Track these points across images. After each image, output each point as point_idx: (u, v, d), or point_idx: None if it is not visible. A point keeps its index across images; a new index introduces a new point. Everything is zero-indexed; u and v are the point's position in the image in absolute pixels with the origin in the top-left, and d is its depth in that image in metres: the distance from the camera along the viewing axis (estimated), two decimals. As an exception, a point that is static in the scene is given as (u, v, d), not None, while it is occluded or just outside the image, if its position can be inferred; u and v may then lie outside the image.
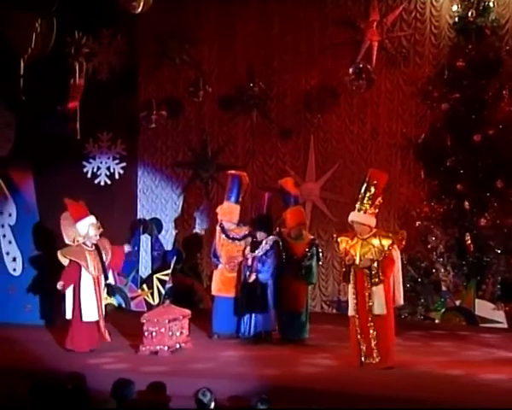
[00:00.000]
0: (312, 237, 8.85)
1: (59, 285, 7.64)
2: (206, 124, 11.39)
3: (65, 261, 7.66)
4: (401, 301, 7.19)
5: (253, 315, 8.14)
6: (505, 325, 9.32)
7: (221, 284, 8.62)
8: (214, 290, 8.70)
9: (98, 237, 7.71)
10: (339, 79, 10.46)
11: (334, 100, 10.73)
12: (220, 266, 8.63)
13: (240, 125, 11.28)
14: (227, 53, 11.18)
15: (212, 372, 6.78)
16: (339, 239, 7.26)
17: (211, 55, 11.29)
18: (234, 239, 8.66)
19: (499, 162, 9.47)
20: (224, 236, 8.68)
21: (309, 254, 8.31)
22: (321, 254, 8.73)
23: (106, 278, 7.71)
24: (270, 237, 8.32)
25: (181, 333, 7.74)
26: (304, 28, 10.83)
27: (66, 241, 7.78)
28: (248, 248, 8.35)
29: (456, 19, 9.92)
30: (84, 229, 7.60)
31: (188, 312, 7.92)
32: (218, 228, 8.79)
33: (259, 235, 8.30)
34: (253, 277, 8.15)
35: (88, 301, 7.59)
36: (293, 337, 8.20)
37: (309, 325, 8.35)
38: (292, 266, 8.28)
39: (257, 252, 8.21)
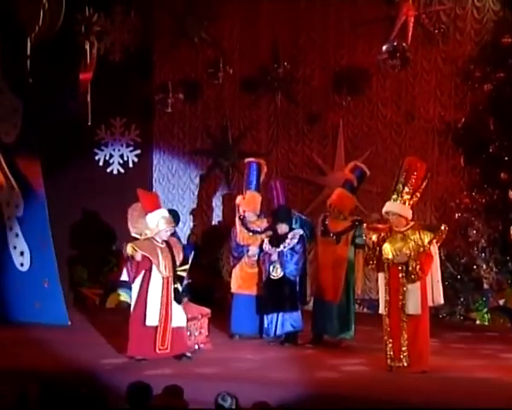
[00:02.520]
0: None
1: (124, 276, 7.38)
2: (226, 108, 11.34)
3: (136, 255, 7.23)
4: (441, 300, 7.11)
5: (280, 314, 8.09)
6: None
7: (241, 281, 8.60)
8: (234, 288, 8.65)
9: (169, 232, 7.41)
10: (371, 59, 10.36)
11: (365, 81, 10.63)
12: (243, 259, 8.58)
13: (263, 109, 11.22)
14: (249, 31, 11.12)
15: (233, 375, 6.76)
16: (368, 230, 7.18)
17: (232, 34, 11.23)
18: (255, 232, 8.63)
19: (548, 148, 9.33)
20: (244, 229, 8.64)
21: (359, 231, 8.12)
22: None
23: (178, 280, 7.38)
24: (296, 230, 8.27)
25: (200, 333, 7.74)
26: (333, 3, 10.72)
27: (133, 234, 7.55)
28: (267, 242, 8.28)
29: (503, -11, 9.79)
30: (153, 222, 7.29)
31: (207, 310, 7.92)
32: (237, 220, 8.75)
33: (280, 228, 8.22)
34: (281, 273, 8.10)
35: (154, 303, 7.22)
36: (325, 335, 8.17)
37: (352, 325, 8.19)
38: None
39: (282, 247, 8.16)
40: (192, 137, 11.58)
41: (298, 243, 8.16)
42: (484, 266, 9.55)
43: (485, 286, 9.62)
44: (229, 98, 11.31)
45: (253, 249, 8.48)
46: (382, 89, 10.66)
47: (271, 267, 8.15)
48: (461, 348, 8.06)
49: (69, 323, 9.13)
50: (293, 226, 8.34)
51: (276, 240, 8.25)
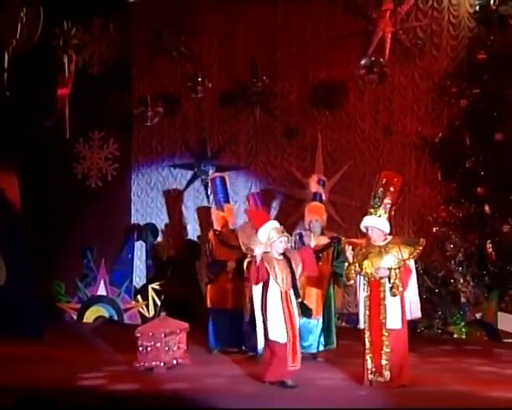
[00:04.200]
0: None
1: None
2: (205, 122, 11.35)
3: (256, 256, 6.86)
4: (419, 314, 7.11)
5: None
6: (530, 337, 9.26)
7: (220, 296, 8.53)
8: (211, 303, 8.57)
9: (284, 243, 6.91)
10: (349, 74, 10.42)
11: (343, 96, 10.69)
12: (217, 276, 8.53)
13: (242, 123, 11.24)
14: (228, 45, 11.15)
15: (211, 390, 6.71)
16: (346, 245, 7.18)
17: (210, 48, 11.26)
18: (232, 247, 8.59)
19: (523, 163, 9.42)
20: (219, 243, 8.59)
21: (338, 249, 8.13)
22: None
23: (297, 295, 7.10)
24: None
25: (178, 348, 7.67)
26: (310, 17, 10.79)
27: (245, 251, 7.35)
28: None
29: (477, 7, 9.90)
30: (264, 235, 6.89)
31: (185, 325, 7.85)
32: (211, 233, 8.70)
33: None
34: None
35: (274, 317, 6.76)
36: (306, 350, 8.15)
37: (334, 338, 8.18)
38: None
39: None
40: (171, 151, 11.56)
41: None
42: (461, 280, 9.58)
43: (463, 300, 9.64)
44: (207, 112, 11.32)
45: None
46: (360, 103, 10.73)
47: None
48: (439, 361, 8.06)
49: (45, 337, 9.01)
50: None
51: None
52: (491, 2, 9.62)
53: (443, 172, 10.06)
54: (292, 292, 6.82)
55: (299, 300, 6.85)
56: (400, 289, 6.74)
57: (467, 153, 9.65)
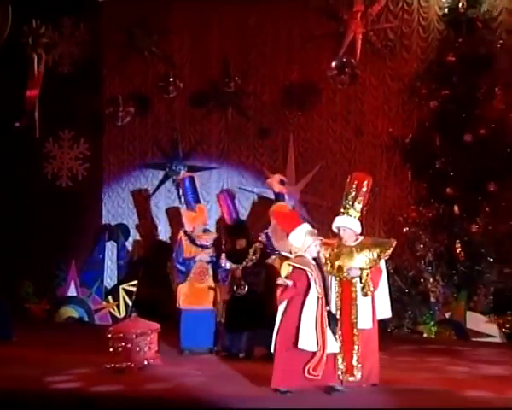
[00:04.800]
0: None
1: (281, 281, 6.50)
2: (177, 122, 11.33)
3: (286, 271, 6.68)
4: (389, 313, 7.17)
5: (247, 331, 7.99)
6: (498, 339, 9.38)
7: (190, 297, 8.51)
8: (183, 303, 8.52)
9: (318, 247, 6.60)
10: (320, 74, 10.47)
11: (315, 96, 10.75)
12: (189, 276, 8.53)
13: (214, 124, 11.24)
14: (200, 45, 11.14)
15: (184, 391, 6.72)
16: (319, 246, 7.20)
17: (182, 48, 11.24)
18: (203, 247, 8.60)
19: (491, 164, 9.52)
20: (190, 243, 8.60)
21: None
22: None
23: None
24: (257, 244, 8.14)
25: (149, 349, 7.65)
26: (282, 18, 10.83)
27: (282, 252, 7.08)
28: (225, 259, 8.13)
29: (446, 10, 9.99)
30: (298, 240, 6.58)
31: (156, 325, 7.83)
32: (181, 234, 8.67)
33: (239, 243, 8.12)
34: (245, 290, 8.00)
35: (308, 325, 6.37)
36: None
37: None
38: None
39: (245, 263, 8.02)
40: (142, 151, 11.52)
41: (260, 257, 8.07)
42: (431, 280, 9.67)
43: (432, 299, 9.73)
44: (179, 112, 11.30)
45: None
46: (332, 104, 10.79)
47: (235, 285, 8.02)
48: (408, 360, 8.14)
49: (14, 339, 8.93)
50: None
51: (236, 256, 8.10)
52: (460, 5, 9.73)
53: (413, 173, 10.14)
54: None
55: (328, 308, 6.52)
56: (371, 289, 6.80)
57: (436, 154, 9.74)
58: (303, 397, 6.37)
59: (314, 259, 6.55)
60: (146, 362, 7.55)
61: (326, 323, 6.41)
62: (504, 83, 9.55)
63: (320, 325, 6.35)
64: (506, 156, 9.52)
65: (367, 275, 6.76)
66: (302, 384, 6.41)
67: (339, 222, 7.00)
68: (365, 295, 6.78)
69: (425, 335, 9.74)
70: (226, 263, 8.10)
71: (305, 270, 6.39)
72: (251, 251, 8.08)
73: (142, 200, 11.48)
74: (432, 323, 9.71)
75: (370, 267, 6.78)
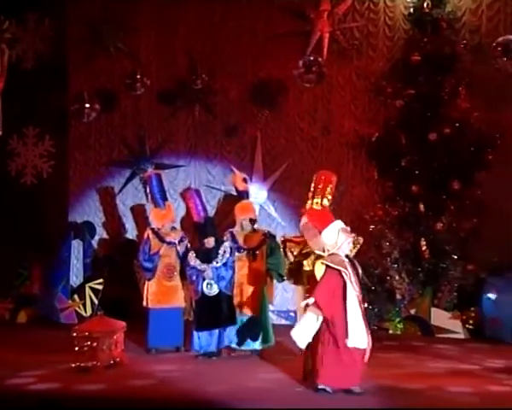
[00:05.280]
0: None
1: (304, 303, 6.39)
2: (143, 119, 11.27)
3: (320, 270, 6.56)
4: None
5: (218, 330, 7.98)
6: (462, 336, 9.52)
7: (159, 295, 8.47)
8: (151, 302, 8.48)
9: (350, 244, 6.53)
10: (287, 73, 10.49)
11: (282, 94, 10.78)
12: (155, 274, 8.50)
13: (181, 121, 11.21)
14: (166, 42, 11.10)
15: (151, 390, 6.70)
16: (286, 243, 7.24)
17: (148, 45, 11.19)
18: (171, 244, 8.58)
19: (456, 163, 9.66)
20: (158, 240, 8.57)
21: (271, 245, 8.19)
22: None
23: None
24: (226, 243, 8.14)
25: (115, 347, 7.62)
26: (248, 17, 10.85)
27: (316, 251, 6.85)
28: (194, 257, 8.09)
29: (412, 10, 10.10)
30: (331, 237, 6.48)
31: (123, 324, 7.80)
32: (148, 232, 8.62)
33: (208, 242, 8.05)
34: (216, 289, 7.97)
35: (356, 323, 6.30)
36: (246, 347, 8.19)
37: (272, 336, 8.23)
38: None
39: (215, 262, 7.99)
40: (109, 148, 11.44)
41: (229, 256, 8.04)
42: (396, 277, 9.76)
43: (398, 296, 9.82)
44: (146, 110, 11.24)
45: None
46: (299, 102, 10.83)
47: (205, 284, 7.97)
48: (375, 357, 8.21)
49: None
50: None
51: (205, 255, 8.05)
52: (425, 6, 9.84)
53: (379, 171, 10.22)
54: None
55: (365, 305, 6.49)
56: None
57: (402, 152, 9.83)
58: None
59: (347, 256, 6.47)
60: (112, 361, 7.52)
61: (367, 319, 6.41)
62: (468, 82, 9.69)
63: (365, 322, 6.33)
64: (470, 155, 9.66)
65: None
66: (343, 384, 6.36)
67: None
68: None
69: (391, 331, 9.84)
70: (196, 262, 8.07)
71: (339, 270, 6.31)
72: (221, 251, 8.05)
73: (108, 198, 11.40)
74: (397, 320, 9.81)
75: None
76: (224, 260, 8.01)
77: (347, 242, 6.46)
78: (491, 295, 9.25)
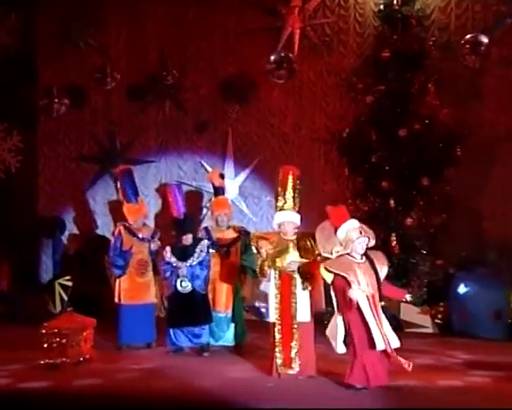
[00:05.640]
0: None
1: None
2: (114, 114, 11.21)
3: (329, 277, 6.49)
4: (323, 306, 7.28)
5: (190, 327, 7.94)
6: (431, 330, 9.62)
7: (131, 291, 8.43)
8: (123, 298, 8.43)
9: (364, 244, 6.46)
10: (258, 68, 10.49)
11: (253, 90, 10.79)
12: (127, 271, 8.46)
13: (152, 117, 11.16)
14: (137, 37, 11.05)
15: (117, 387, 6.68)
16: (258, 240, 7.24)
17: (119, 40, 11.13)
18: (143, 240, 8.54)
19: (425, 159, 9.73)
20: (130, 236, 8.52)
21: (246, 242, 8.15)
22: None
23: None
24: (203, 242, 8.07)
25: (85, 344, 7.58)
26: (218, 12, 10.81)
27: (323, 254, 6.74)
28: (170, 253, 8.02)
29: (381, 7, 10.14)
30: (342, 234, 6.48)
31: (93, 321, 7.76)
32: (120, 228, 8.57)
33: (186, 238, 7.98)
34: (190, 287, 7.91)
35: (375, 325, 6.28)
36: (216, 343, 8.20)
37: (242, 330, 8.27)
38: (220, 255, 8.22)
39: (191, 260, 7.93)
40: (78, 144, 11.36)
41: (206, 255, 7.99)
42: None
43: (368, 291, 9.90)
44: (116, 105, 11.18)
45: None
46: (270, 98, 10.84)
47: (179, 281, 7.91)
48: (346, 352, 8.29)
49: None
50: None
51: (182, 251, 7.97)
52: (395, 2, 9.90)
53: (350, 167, 10.25)
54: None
55: (382, 303, 6.41)
56: (311, 282, 6.87)
57: (372, 148, 9.86)
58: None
59: (366, 255, 6.42)
60: (81, 358, 7.48)
61: (382, 318, 6.36)
62: (437, 79, 9.77)
63: (381, 323, 6.30)
64: (439, 151, 9.75)
65: (308, 268, 6.82)
66: (374, 383, 6.37)
67: (280, 218, 7.03)
68: (306, 288, 6.86)
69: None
70: (171, 258, 8.01)
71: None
72: (198, 249, 7.98)
73: (78, 193, 11.33)
74: (368, 315, 9.87)
75: (310, 261, 6.85)
76: (200, 259, 7.95)
77: (358, 242, 6.39)
78: (460, 290, 9.36)
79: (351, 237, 6.42)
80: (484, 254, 9.92)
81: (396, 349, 6.38)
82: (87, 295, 10.08)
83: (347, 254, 6.43)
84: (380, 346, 6.25)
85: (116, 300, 8.50)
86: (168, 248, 8.06)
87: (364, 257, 6.42)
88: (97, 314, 8.09)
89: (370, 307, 6.29)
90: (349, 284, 6.25)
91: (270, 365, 6.94)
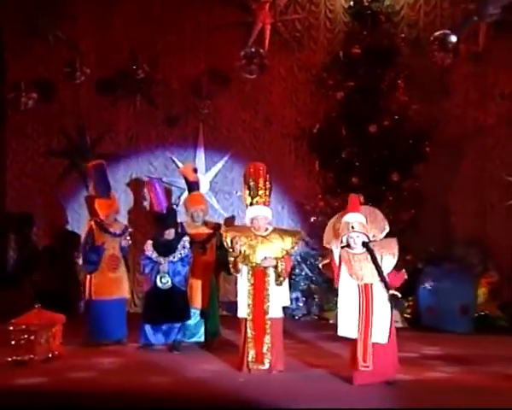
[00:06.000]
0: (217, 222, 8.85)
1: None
2: (83, 109, 11.11)
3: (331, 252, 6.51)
4: (288, 302, 7.32)
5: (168, 324, 7.89)
6: (399, 324, 9.68)
7: (103, 287, 8.34)
8: (94, 294, 8.34)
9: (357, 239, 6.44)
10: (229, 64, 10.49)
11: (224, 86, 10.77)
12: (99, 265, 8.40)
13: (122, 111, 11.08)
14: (106, 31, 10.96)
15: (88, 382, 6.63)
16: (228, 234, 7.22)
17: (88, 33, 11.02)
18: (115, 235, 8.49)
19: (395, 155, 9.81)
20: (102, 232, 8.47)
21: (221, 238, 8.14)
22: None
23: (386, 288, 6.36)
24: (185, 238, 7.98)
25: (53, 341, 7.50)
26: (189, 7, 10.78)
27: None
28: (152, 248, 7.91)
29: (351, 3, 10.20)
30: (343, 224, 6.52)
31: (61, 317, 7.68)
32: (91, 223, 8.52)
33: (169, 233, 7.86)
34: (170, 283, 7.83)
35: (347, 312, 6.35)
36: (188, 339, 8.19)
37: (219, 328, 8.27)
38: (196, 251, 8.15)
39: (172, 257, 7.85)
40: (47, 138, 11.25)
41: (187, 252, 7.91)
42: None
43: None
44: (86, 99, 11.08)
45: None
46: (241, 93, 10.84)
47: (159, 277, 7.82)
48: (315, 347, 8.32)
49: None
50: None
51: (163, 246, 7.88)
52: (364, -1, 9.98)
53: (320, 163, 10.31)
54: (380, 285, 6.36)
55: (391, 292, 6.35)
56: (285, 277, 6.88)
57: (343, 144, 9.92)
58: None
59: (366, 246, 6.42)
60: (50, 354, 7.40)
61: (375, 309, 6.31)
62: (406, 75, 9.85)
63: (365, 313, 6.30)
64: (408, 147, 9.83)
65: (281, 264, 6.84)
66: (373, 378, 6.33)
67: (253, 213, 7.01)
68: (280, 284, 6.86)
69: (331, 321, 9.94)
70: (152, 253, 7.92)
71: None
72: (180, 245, 7.90)
73: (47, 188, 11.22)
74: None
75: (283, 256, 6.87)
76: (182, 256, 7.89)
77: (349, 236, 6.43)
78: (428, 285, 9.46)
79: (342, 230, 6.52)
80: (452, 249, 10.05)
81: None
82: (56, 292, 10.00)
83: (347, 245, 6.48)
84: (341, 332, 6.34)
85: (87, 295, 8.43)
86: (149, 243, 7.96)
87: (365, 247, 6.44)
88: (67, 310, 8.02)
89: (360, 296, 6.33)
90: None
91: (240, 360, 6.94)
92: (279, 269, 6.83)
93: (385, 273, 6.42)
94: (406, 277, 6.75)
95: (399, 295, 6.50)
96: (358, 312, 6.34)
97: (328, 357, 7.58)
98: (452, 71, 10.13)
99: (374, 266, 6.39)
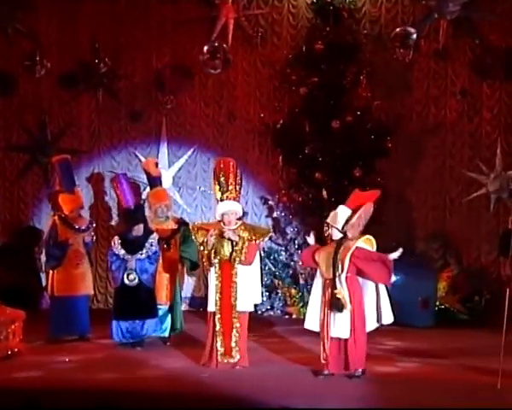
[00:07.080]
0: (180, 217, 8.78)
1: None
2: (44, 103, 10.94)
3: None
4: (259, 299, 7.37)
5: (136, 320, 7.81)
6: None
7: (65, 283, 8.23)
8: (56, 290, 8.25)
9: (329, 232, 6.82)
10: (193, 58, 10.45)
11: (187, 80, 10.72)
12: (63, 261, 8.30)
13: (84, 105, 10.95)
14: (68, 24, 10.79)
15: (50, 379, 6.56)
16: (199, 230, 7.16)
17: (49, 26, 10.85)
18: (79, 230, 8.39)
19: (357, 150, 9.89)
20: (66, 227, 8.36)
21: (185, 233, 8.04)
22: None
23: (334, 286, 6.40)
24: (153, 235, 7.90)
25: (13, 337, 7.40)
26: (153, 0, 10.69)
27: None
28: (119, 245, 7.80)
29: (314, -1, 10.25)
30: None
31: (21, 313, 7.58)
32: (54, 218, 8.41)
33: (137, 229, 7.76)
34: (137, 281, 7.75)
35: (313, 305, 6.68)
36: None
37: (182, 323, 8.24)
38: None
39: (140, 254, 7.75)
40: (7, 133, 11.06)
41: (155, 249, 7.84)
42: (300, 263, 9.92)
43: (302, 281, 10.01)
44: (47, 93, 10.92)
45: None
46: (205, 88, 10.80)
47: (126, 274, 7.74)
48: (279, 341, 8.36)
49: None
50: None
51: (131, 243, 7.80)
52: (327, -5, 10.01)
53: (284, 158, 10.34)
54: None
55: (335, 291, 6.46)
56: (247, 260, 6.87)
57: (306, 139, 9.96)
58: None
59: (337, 242, 6.71)
60: (9, 351, 7.30)
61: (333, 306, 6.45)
62: (369, 71, 9.92)
63: (324, 308, 6.50)
64: (370, 143, 9.91)
65: (243, 243, 6.82)
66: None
67: (223, 208, 6.99)
68: (240, 262, 6.82)
69: (294, 316, 10.00)
70: (120, 250, 7.83)
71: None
72: (148, 243, 7.82)
73: (6, 183, 11.04)
74: (301, 304, 9.97)
75: (249, 240, 6.86)
76: (150, 253, 7.82)
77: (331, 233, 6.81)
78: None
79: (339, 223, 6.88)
80: (413, 244, 10.17)
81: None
82: (16, 287, 9.85)
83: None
84: (307, 325, 6.65)
85: (49, 291, 8.33)
86: (117, 239, 7.89)
87: (336, 243, 6.72)
88: (27, 307, 7.91)
89: (323, 291, 6.56)
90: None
91: (208, 355, 6.92)
92: (239, 246, 6.81)
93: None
94: None
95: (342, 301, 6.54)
96: (321, 306, 6.52)
97: (294, 351, 7.62)
98: (414, 67, 10.24)
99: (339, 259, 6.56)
